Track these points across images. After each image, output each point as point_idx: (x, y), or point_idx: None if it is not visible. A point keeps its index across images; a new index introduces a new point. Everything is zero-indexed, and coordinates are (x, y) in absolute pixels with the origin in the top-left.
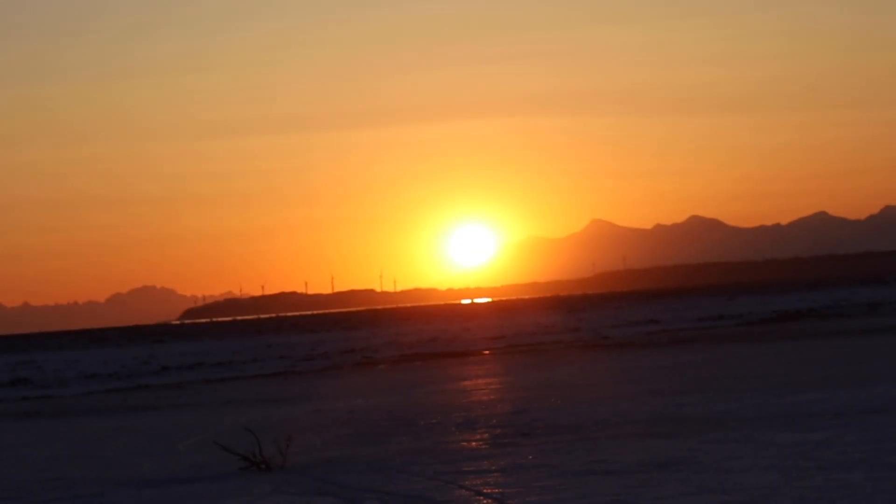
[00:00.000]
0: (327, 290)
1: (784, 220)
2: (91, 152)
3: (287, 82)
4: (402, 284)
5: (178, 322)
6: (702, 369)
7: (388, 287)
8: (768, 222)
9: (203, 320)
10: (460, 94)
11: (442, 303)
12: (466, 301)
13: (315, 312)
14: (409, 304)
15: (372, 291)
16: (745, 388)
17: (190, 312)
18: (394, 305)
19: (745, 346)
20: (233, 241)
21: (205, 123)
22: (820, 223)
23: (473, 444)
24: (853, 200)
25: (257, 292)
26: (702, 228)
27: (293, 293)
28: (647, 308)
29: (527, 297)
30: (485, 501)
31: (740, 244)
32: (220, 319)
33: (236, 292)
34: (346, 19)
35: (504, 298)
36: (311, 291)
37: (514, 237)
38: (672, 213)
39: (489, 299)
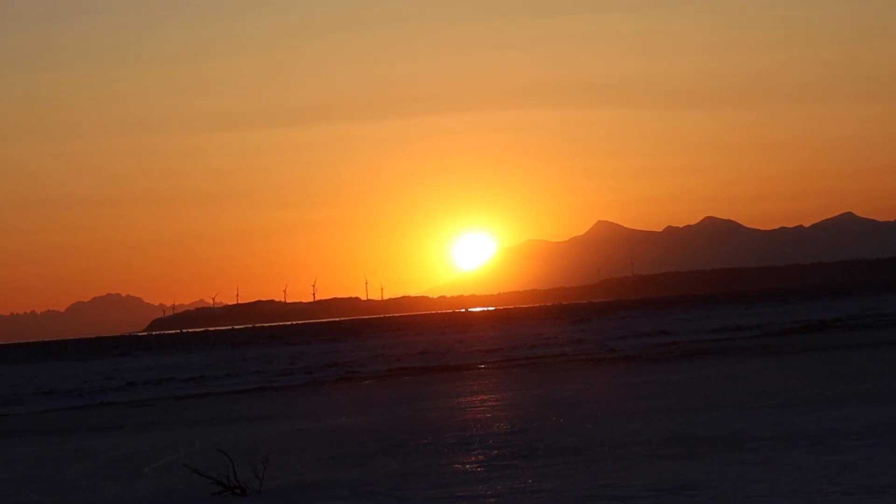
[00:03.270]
0: (308, 299)
1: (807, 222)
2: (47, 149)
3: (264, 74)
4: (390, 292)
5: (144, 333)
6: (717, 385)
7: (375, 295)
8: (790, 224)
9: (172, 331)
10: (452, 86)
11: (433, 312)
12: (461, 310)
13: (295, 322)
14: (397, 314)
15: (357, 300)
16: (765, 406)
17: (158, 323)
18: (381, 315)
19: (765, 360)
20: (205, 245)
21: (172, 118)
22: (846, 225)
23: (468, 466)
24: (882, 200)
25: (232, 301)
26: (717, 231)
27: (271, 301)
28: (657, 318)
29: (526, 305)
30: None
31: (759, 248)
32: (190, 330)
33: (209, 301)
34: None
35: (501, 307)
36: (290, 299)
37: (512, 241)
38: (685, 213)
39: (485, 308)
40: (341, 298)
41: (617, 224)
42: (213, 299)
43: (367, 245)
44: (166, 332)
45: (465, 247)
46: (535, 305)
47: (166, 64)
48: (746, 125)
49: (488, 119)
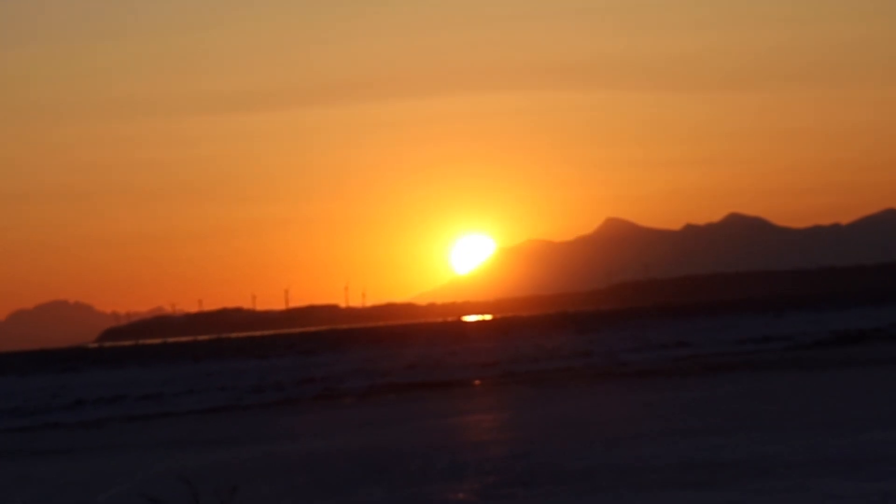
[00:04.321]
0: (280, 306)
1: (844, 220)
2: None
3: (227, 53)
4: (373, 299)
5: (95, 345)
6: (743, 403)
7: (356, 302)
8: (825, 222)
9: (126, 343)
10: (442, 66)
11: (422, 321)
12: (453, 319)
13: (265, 333)
14: (381, 323)
15: (335, 307)
16: (797, 427)
17: (110, 333)
18: (363, 325)
19: (797, 375)
20: (163, 245)
21: (127, 100)
22: (889, 223)
23: (461, 494)
24: None
25: (193, 308)
26: (742, 229)
27: (238, 309)
28: (674, 327)
29: (527, 313)
30: None
31: (790, 249)
32: (147, 342)
33: (167, 308)
34: None
35: (499, 315)
36: (260, 307)
37: (510, 240)
38: (706, 210)
39: (481, 316)
40: (318, 306)
41: (629, 221)
42: (173, 307)
43: (346, 245)
44: (120, 343)
45: (458, 247)
46: (537, 313)
47: (128, 41)
48: (777, 110)
49: (483, 103)
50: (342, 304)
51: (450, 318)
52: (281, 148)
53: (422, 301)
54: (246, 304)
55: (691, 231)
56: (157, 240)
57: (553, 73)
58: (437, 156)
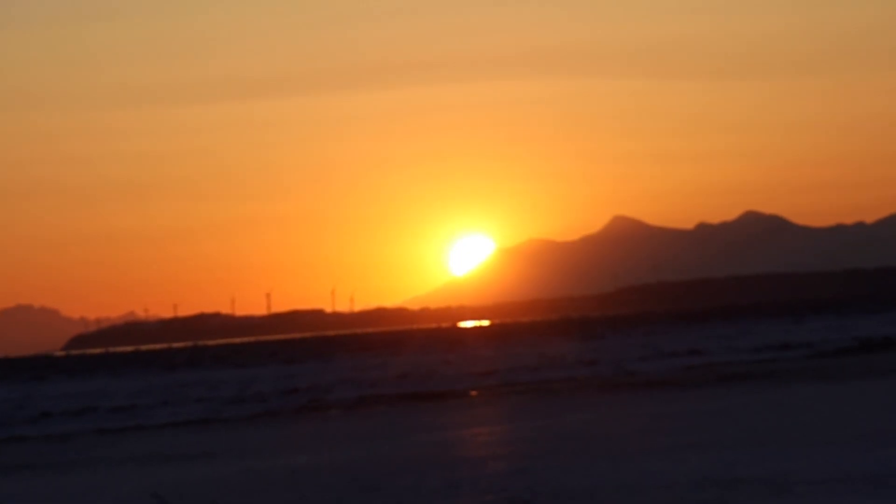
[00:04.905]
0: (262, 311)
1: (870, 218)
2: None
3: (203, 37)
4: (362, 303)
5: (62, 353)
6: (759, 416)
7: (343, 307)
8: (848, 220)
9: (96, 350)
10: (435, 52)
11: (414, 327)
12: (448, 325)
13: (246, 340)
14: (370, 329)
15: (321, 312)
16: (818, 441)
17: (79, 340)
18: (350, 331)
19: (818, 386)
20: (136, 246)
21: (95, 88)
22: None
23: None
24: None
25: (168, 313)
26: (760, 228)
27: (216, 314)
28: (686, 334)
29: (527, 318)
30: None
31: (811, 249)
32: (118, 350)
33: (140, 313)
34: None
35: (497, 321)
36: (239, 312)
37: (510, 240)
38: (720, 208)
39: (477, 322)
40: (302, 311)
41: (637, 220)
42: (146, 312)
43: (333, 246)
44: (89, 351)
45: (454, 248)
46: (538, 319)
47: (79, 25)
48: (798, 99)
49: (479, 92)
50: (328, 309)
51: (444, 324)
52: (263, 141)
53: (414, 305)
54: (225, 309)
55: (704, 230)
56: (128, 240)
57: (555, 59)
58: (429, 149)
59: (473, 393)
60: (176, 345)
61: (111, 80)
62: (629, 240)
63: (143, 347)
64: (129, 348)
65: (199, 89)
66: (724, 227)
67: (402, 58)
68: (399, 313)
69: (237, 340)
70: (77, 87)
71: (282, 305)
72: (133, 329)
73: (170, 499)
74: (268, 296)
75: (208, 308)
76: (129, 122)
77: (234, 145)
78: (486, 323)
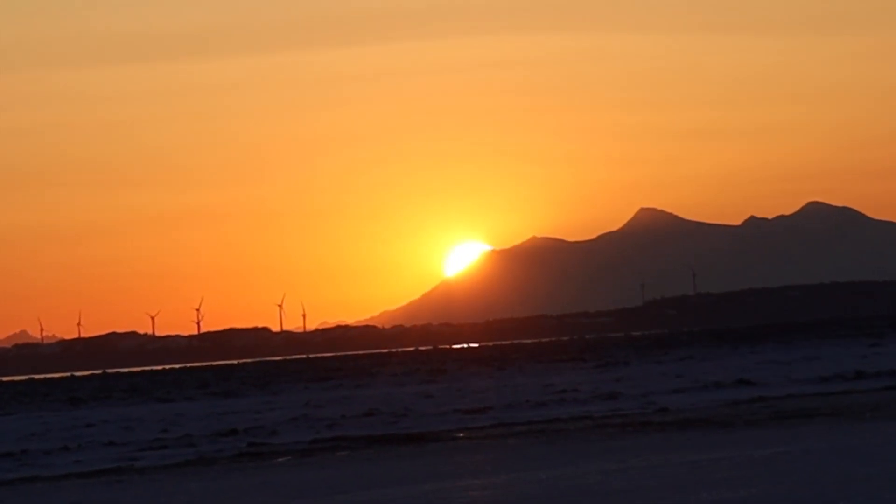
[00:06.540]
0: (190, 330)
1: None
2: None
3: None
4: (317, 319)
5: None
6: (826, 464)
7: (294, 324)
8: None
9: None
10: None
11: (386, 350)
12: (427, 347)
13: (169, 367)
14: (328, 353)
15: (266, 331)
16: None
17: None
18: (303, 355)
19: None
20: (28, 248)
21: None
22: None
23: None
24: None
25: (71, 334)
26: (826, 224)
27: (132, 334)
28: (731, 360)
29: (530, 339)
30: None
31: (890, 251)
32: (6, 379)
33: (34, 334)
34: None
35: (492, 342)
36: (161, 331)
37: (509, 239)
38: (776, 199)
39: (466, 345)
40: (241, 329)
41: (670, 213)
42: (42, 332)
43: (281, 248)
44: None
45: (436, 249)
46: (543, 339)
47: None
48: (871, 60)
49: (471, 48)
50: (274, 327)
51: (423, 347)
52: (191, 114)
53: (384, 322)
54: (142, 328)
55: (755, 226)
56: (18, 241)
57: (566, 8)
58: (409, 124)
59: (461, 435)
60: (80, 373)
61: None
62: (659, 238)
63: (38, 376)
64: (21, 378)
65: (106, 46)
66: (781, 221)
67: (374, 5)
68: (365, 332)
69: (158, 367)
70: None
71: (215, 323)
72: (25, 353)
73: None
74: (197, 310)
75: (121, 326)
76: (22, 88)
77: (153, 119)
78: (475, 345)
